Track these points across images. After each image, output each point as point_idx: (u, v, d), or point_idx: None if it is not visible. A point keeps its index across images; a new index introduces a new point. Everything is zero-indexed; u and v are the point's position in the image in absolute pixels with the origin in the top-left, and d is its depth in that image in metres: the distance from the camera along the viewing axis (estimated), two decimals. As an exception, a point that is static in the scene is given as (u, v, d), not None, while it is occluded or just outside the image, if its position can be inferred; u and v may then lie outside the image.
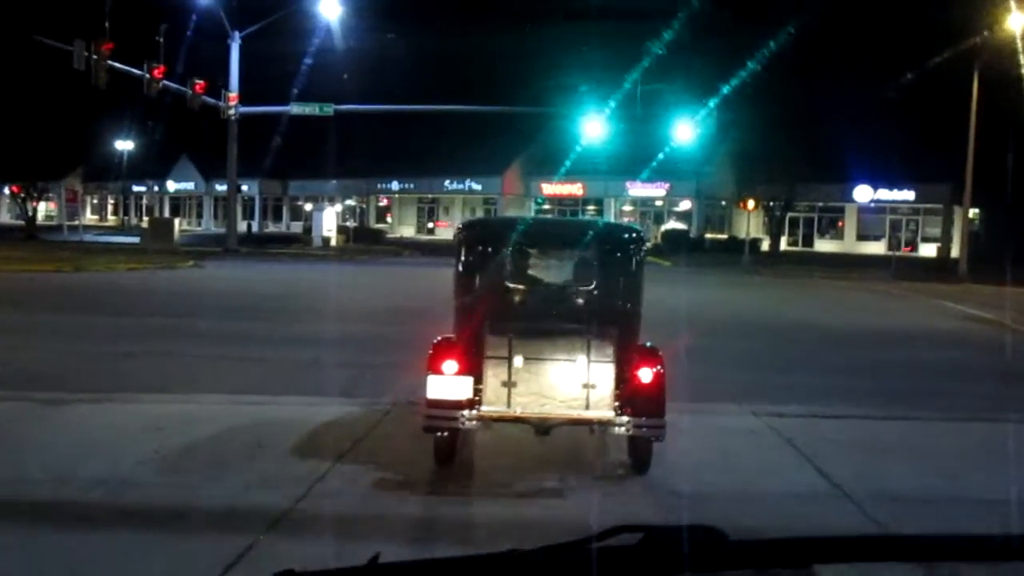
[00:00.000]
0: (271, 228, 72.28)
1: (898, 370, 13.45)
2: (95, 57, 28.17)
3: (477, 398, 6.71)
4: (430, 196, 66.77)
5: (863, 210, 54.45)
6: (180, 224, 77.61)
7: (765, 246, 50.52)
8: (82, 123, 73.38)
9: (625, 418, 6.58)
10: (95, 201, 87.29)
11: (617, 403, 6.64)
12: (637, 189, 55.86)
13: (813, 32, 51.00)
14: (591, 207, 58.18)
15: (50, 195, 70.64)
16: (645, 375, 6.68)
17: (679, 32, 43.39)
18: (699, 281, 29.29)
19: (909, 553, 1.54)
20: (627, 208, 58.53)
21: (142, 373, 10.84)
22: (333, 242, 45.39)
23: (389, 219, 69.02)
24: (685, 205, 56.33)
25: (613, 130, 40.39)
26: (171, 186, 76.04)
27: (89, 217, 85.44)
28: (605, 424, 6.67)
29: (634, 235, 7.84)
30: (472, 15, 59.54)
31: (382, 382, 10.55)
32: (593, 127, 38.63)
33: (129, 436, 7.54)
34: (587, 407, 6.66)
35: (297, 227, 66.19)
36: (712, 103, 37.43)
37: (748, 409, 9.50)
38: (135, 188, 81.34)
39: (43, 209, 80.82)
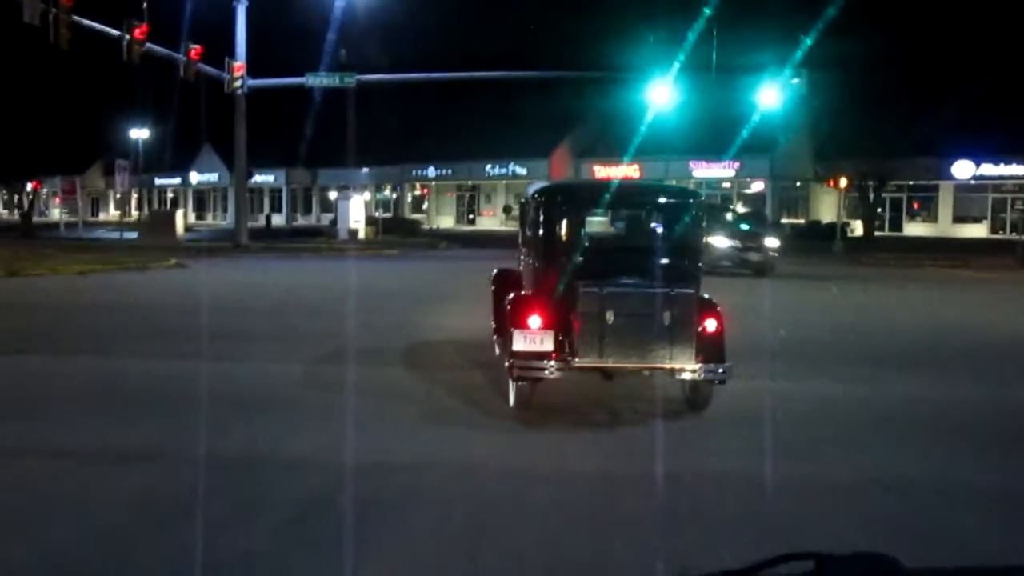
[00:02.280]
0: (300, 221, 67.27)
1: None
2: (53, 11, 22.77)
3: (569, 350, 7.30)
4: (470, 182, 61.11)
5: (961, 188, 47.86)
6: (206, 218, 73.50)
7: (852, 231, 44.25)
8: (100, 113, 69.28)
9: (698, 364, 7.20)
10: (118, 196, 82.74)
11: (690, 352, 7.17)
12: (702, 170, 49.71)
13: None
14: (649, 191, 52.23)
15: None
16: (710, 325, 7.38)
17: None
18: (794, 276, 23.15)
19: None
20: (690, 191, 52.37)
21: None
22: (361, 235, 39.95)
23: (425, 208, 63.64)
24: (757, 186, 50.00)
25: (677, 103, 34.22)
26: (194, 178, 71.27)
27: (113, 212, 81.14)
28: (680, 371, 7.27)
29: (696, 199, 9.06)
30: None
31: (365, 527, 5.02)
32: (660, 94, 32.51)
33: None
34: (670, 358, 7.18)
35: (328, 219, 61.06)
36: (794, 69, 31.28)
37: None
38: (157, 181, 76.92)
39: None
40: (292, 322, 13.27)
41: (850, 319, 15.17)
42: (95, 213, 79.99)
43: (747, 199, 50.41)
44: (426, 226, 54.29)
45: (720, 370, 7.27)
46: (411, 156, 59.48)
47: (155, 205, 75.75)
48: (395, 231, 43.06)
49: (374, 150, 57.12)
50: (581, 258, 7.75)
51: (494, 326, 9.25)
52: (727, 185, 51.49)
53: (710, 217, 24.66)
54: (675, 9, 36.58)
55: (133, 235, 35.98)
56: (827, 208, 49.41)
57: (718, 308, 7.54)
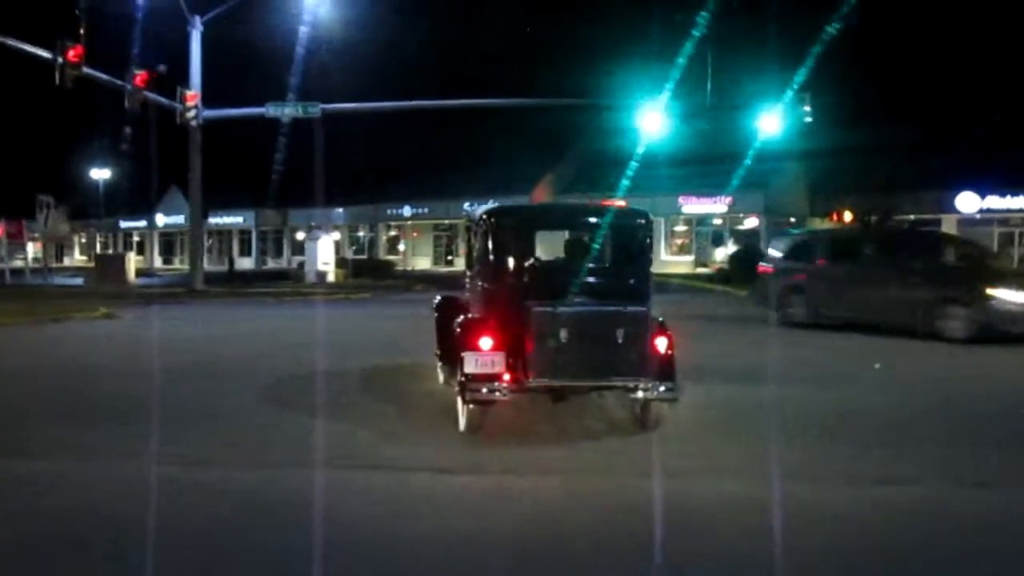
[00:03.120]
0: (271, 264, 64.31)
1: None
2: (-33, 27, 19.99)
3: (523, 371, 7.24)
4: (447, 222, 58.49)
5: (965, 222, 45.53)
6: (173, 262, 70.26)
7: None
8: (64, 156, 66.54)
9: (649, 383, 7.26)
10: (83, 240, 79.55)
11: (643, 370, 7.23)
12: (692, 205, 47.27)
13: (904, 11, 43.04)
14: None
15: (35, 236, 63.80)
16: (661, 344, 7.42)
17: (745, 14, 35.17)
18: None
19: None
20: (680, 228, 49.84)
21: None
22: (331, 277, 37.15)
23: (401, 248, 60.89)
24: (751, 222, 47.57)
25: (666, 136, 31.63)
26: (160, 220, 68.21)
27: (77, 258, 77.87)
28: (632, 389, 7.36)
29: (645, 219, 8.52)
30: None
31: None
32: (650, 122, 29.97)
33: None
34: (623, 376, 7.26)
35: (298, 262, 58.11)
36: (798, 96, 28.71)
37: None
38: (123, 224, 74.11)
39: (31, 251, 73.73)
40: (208, 390, 10.33)
41: None
42: (59, 258, 76.74)
43: (738, 235, 47.89)
44: (401, 267, 51.53)
45: (670, 388, 7.37)
46: (387, 195, 56.96)
47: (120, 248, 72.55)
48: (368, 273, 40.24)
49: (348, 189, 54.59)
50: (532, 278, 7.93)
51: (439, 352, 9.27)
52: (719, 221, 49.02)
53: (982, 263, 18.31)
54: (667, 37, 34.39)
55: (78, 281, 32.96)
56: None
57: (668, 329, 7.60)
